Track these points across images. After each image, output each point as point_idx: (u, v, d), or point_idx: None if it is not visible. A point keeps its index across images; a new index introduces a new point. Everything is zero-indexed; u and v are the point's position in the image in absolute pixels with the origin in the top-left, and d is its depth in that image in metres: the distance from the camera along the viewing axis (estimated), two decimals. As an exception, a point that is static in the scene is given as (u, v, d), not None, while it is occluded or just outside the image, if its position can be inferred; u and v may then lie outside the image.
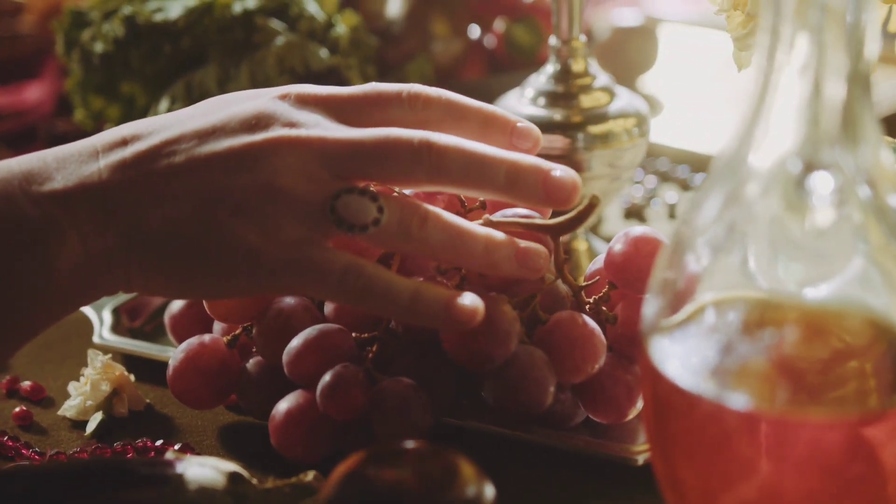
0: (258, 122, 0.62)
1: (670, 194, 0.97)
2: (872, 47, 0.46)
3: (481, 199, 0.67)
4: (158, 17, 0.86)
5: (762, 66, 0.50)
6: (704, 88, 1.16)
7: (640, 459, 0.64)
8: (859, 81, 0.46)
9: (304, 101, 0.63)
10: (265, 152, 0.61)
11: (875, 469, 0.50)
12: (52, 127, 1.10)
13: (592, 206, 0.63)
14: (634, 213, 0.95)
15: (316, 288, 0.62)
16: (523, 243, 0.63)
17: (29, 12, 1.27)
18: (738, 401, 0.50)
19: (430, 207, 0.62)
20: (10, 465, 0.66)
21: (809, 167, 0.46)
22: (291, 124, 0.62)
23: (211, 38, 0.86)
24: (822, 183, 0.45)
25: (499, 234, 0.63)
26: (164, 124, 0.63)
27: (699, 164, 1.02)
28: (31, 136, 1.12)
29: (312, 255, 0.61)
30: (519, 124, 0.66)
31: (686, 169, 1.01)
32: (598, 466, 0.66)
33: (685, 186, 0.99)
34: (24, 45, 1.26)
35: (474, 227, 0.63)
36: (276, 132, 0.61)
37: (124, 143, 0.62)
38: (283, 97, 0.63)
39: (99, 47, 0.88)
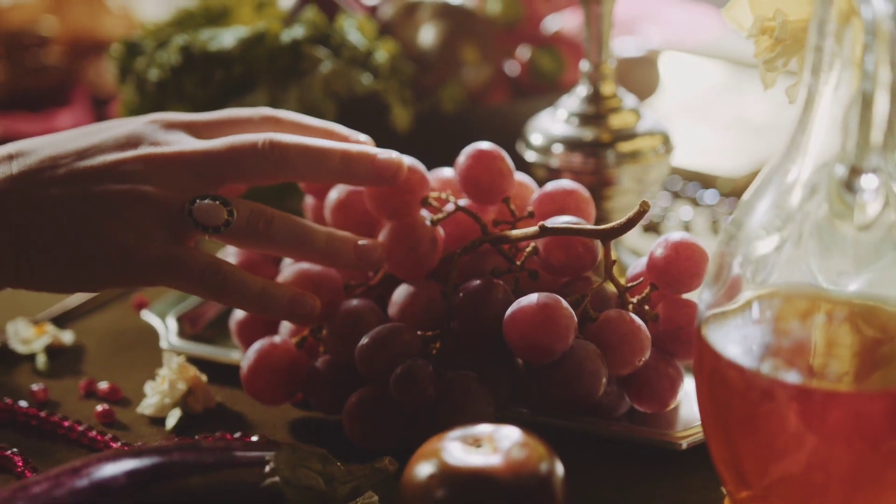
0: (128, 141, 0.72)
1: (684, 210, 1.04)
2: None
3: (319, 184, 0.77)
4: (213, 46, 0.92)
5: (807, 82, 0.57)
6: (704, 113, 1.23)
7: (685, 444, 0.71)
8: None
9: (169, 125, 0.74)
10: (133, 165, 0.71)
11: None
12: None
13: (642, 211, 0.69)
14: (652, 227, 1.01)
15: (180, 282, 0.71)
16: (361, 240, 0.73)
17: (55, 44, 1.32)
18: (791, 376, 0.56)
19: (276, 211, 0.72)
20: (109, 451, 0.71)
21: (855, 171, 0.53)
22: (156, 143, 0.72)
23: (261, 65, 0.93)
24: (869, 184, 0.52)
25: (339, 232, 0.73)
26: (46, 144, 0.72)
27: (706, 181, 1.08)
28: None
29: (177, 253, 0.71)
30: (352, 136, 0.76)
31: (696, 187, 1.08)
32: (641, 452, 0.72)
33: (696, 203, 1.06)
34: (50, 76, 1.31)
35: (316, 225, 0.73)
36: (143, 150, 0.71)
37: (10, 158, 0.71)
38: (152, 122, 0.74)
39: (154, 75, 0.94)
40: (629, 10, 1.41)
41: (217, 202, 0.70)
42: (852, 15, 0.56)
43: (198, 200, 0.70)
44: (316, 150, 0.72)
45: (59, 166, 0.71)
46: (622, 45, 1.14)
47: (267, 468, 0.62)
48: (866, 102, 0.51)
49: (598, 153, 0.87)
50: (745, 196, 0.60)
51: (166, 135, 0.73)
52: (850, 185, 0.53)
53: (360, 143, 0.76)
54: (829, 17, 0.56)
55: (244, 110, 0.76)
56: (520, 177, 0.77)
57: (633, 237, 0.99)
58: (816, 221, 0.57)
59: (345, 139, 0.76)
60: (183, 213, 0.70)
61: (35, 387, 0.79)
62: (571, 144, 0.87)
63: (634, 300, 0.73)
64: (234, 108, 0.77)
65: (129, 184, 0.70)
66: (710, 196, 1.06)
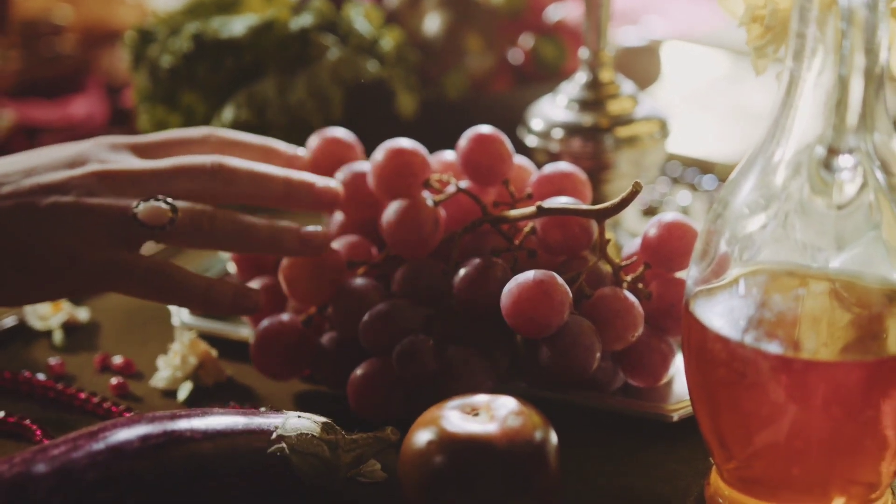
0: (76, 161, 0.75)
1: (682, 195, 1.06)
2: (885, 51, 0.56)
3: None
4: (224, 34, 0.95)
5: (790, 67, 0.59)
6: (705, 102, 1.26)
7: (676, 416, 0.73)
8: (874, 79, 0.56)
9: (115, 146, 0.77)
10: (81, 181, 0.74)
11: (889, 409, 0.59)
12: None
13: (635, 192, 0.72)
14: (651, 212, 1.04)
15: (125, 286, 0.74)
16: (305, 228, 0.76)
17: (69, 33, 1.35)
18: (773, 347, 0.59)
19: (218, 209, 0.75)
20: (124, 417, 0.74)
21: (833, 151, 0.55)
22: (102, 161, 0.75)
23: (270, 52, 0.95)
24: (846, 163, 0.55)
25: (281, 223, 0.76)
26: None
27: (705, 168, 1.11)
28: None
29: (120, 258, 0.73)
30: (290, 151, 0.80)
31: (695, 172, 1.10)
32: (634, 424, 0.75)
33: (694, 188, 1.09)
34: (65, 64, 1.34)
35: (257, 219, 0.76)
36: (91, 167, 0.74)
37: None
38: (98, 144, 0.77)
39: (166, 61, 0.97)
40: (633, 0, 1.44)
41: (160, 202, 0.73)
42: (833, 3, 0.58)
43: (141, 203, 0.73)
44: (261, 175, 0.76)
45: (7, 183, 0.73)
46: (625, 35, 1.17)
47: (274, 435, 0.65)
48: (843, 86, 0.54)
49: (596, 138, 0.89)
50: (732, 176, 0.63)
51: (112, 154, 0.76)
52: (828, 164, 0.56)
53: (299, 157, 0.80)
54: (811, 5, 0.58)
55: (185, 131, 0.80)
56: (519, 160, 0.80)
57: (633, 221, 1.02)
58: (800, 201, 0.60)
59: (284, 155, 0.80)
60: (127, 217, 0.73)
61: (52, 361, 0.82)
62: (571, 129, 0.90)
63: (629, 278, 0.75)
64: (175, 129, 0.80)
65: (76, 196, 0.73)
66: (708, 181, 1.08)
